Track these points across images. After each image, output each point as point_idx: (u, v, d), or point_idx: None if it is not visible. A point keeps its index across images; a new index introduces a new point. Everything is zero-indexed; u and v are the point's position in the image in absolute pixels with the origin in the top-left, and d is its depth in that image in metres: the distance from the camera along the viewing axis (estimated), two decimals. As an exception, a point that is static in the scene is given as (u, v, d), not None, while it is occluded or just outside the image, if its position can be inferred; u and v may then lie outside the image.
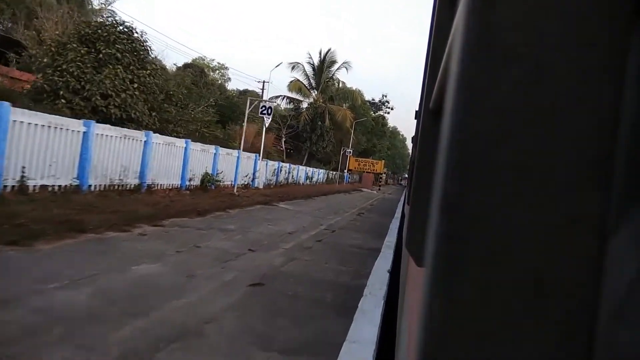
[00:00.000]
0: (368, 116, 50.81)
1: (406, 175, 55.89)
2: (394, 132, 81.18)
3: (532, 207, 0.21)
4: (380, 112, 62.23)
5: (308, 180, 28.38)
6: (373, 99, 59.01)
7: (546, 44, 0.20)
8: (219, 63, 60.39)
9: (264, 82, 40.82)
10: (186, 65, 44.98)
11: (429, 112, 0.68)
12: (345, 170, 40.84)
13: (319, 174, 31.31)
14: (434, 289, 0.22)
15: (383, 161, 45.86)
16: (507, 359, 0.21)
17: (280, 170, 22.30)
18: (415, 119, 2.36)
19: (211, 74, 53.86)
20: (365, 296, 3.69)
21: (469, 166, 0.21)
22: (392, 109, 59.70)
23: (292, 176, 24.66)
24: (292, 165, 25.26)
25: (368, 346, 2.57)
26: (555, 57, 0.20)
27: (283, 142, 37.58)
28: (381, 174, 46.32)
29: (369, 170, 45.13)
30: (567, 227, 0.20)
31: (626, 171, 0.21)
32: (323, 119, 38.32)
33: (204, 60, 58.89)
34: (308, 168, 29.06)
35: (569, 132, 0.20)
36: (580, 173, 0.20)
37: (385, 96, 68.84)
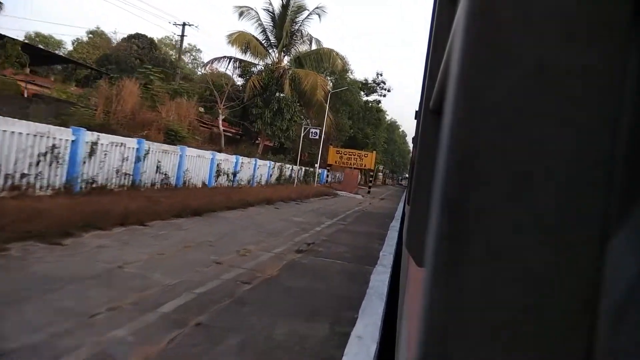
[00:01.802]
0: (356, 92, 37.45)
1: (407, 175, 45.34)
2: (393, 125, 68.14)
3: (532, 207, 0.20)
4: (376, 96, 49.13)
5: (226, 180, 15.12)
6: (366, 80, 45.80)
7: (546, 44, 0.20)
8: (190, 44, 46.40)
9: (183, 25, 27.59)
10: (132, 36, 31.95)
11: (429, 112, 0.67)
12: (316, 164, 27.46)
13: (255, 167, 17.86)
14: (434, 289, 0.21)
15: (374, 152, 32.41)
16: (507, 359, 0.20)
17: (91, 155, 8.79)
18: (415, 119, 2.22)
19: (171, 52, 40.21)
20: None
21: (469, 166, 0.21)
22: (389, 90, 46.40)
23: (160, 171, 11.27)
24: (165, 147, 11.79)
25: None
26: (555, 57, 0.20)
27: (220, 122, 24.35)
28: (372, 170, 32.80)
29: (356, 166, 31.81)
30: (567, 227, 0.20)
31: (626, 171, 0.20)
32: (281, 88, 25.06)
33: (171, 40, 46.07)
34: (228, 157, 15.63)
35: (569, 132, 0.20)
36: (581, 173, 0.20)
37: (381, 75, 55.65)
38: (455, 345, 0.21)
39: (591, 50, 0.20)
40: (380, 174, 68.02)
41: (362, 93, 46.29)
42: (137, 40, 30.24)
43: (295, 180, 21.15)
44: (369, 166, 31.64)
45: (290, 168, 23.14)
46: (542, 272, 0.20)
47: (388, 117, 65.36)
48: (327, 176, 31.48)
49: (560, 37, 0.20)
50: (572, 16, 0.20)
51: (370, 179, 33.30)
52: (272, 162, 20.24)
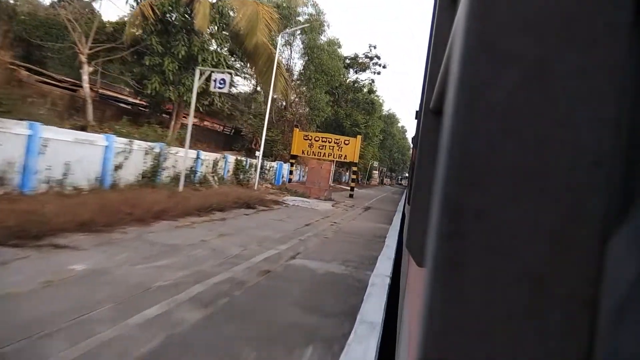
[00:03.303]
0: (336, 58, 26.78)
1: (407, 174, 39.31)
2: (392, 117, 57.60)
3: (532, 207, 0.20)
4: (368, 74, 38.65)
5: None
6: (356, 55, 35.20)
7: (546, 44, 0.20)
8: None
9: None
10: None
11: (429, 112, 0.66)
12: (259, 152, 16.66)
13: (29, 148, 7.13)
14: (434, 289, 0.21)
15: (359, 138, 21.69)
16: (507, 359, 0.20)
17: None
18: (415, 119, 2.18)
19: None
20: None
21: (469, 166, 0.20)
22: (384, 67, 35.80)
23: None
24: None
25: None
26: (555, 57, 0.20)
27: (86, 78, 13.79)
28: (356, 164, 22.10)
29: (333, 157, 21.28)
30: (567, 227, 0.20)
31: (626, 171, 0.20)
32: (193, 21, 14.41)
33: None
34: None
35: (569, 132, 0.20)
36: (580, 173, 0.20)
37: (374, 47, 44.98)
38: (455, 345, 0.20)
39: (591, 51, 0.19)
40: (376, 172, 57.38)
41: (351, 71, 35.79)
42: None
43: (182, 180, 10.38)
44: (351, 158, 20.99)
45: (194, 157, 12.41)
46: (542, 272, 0.20)
47: (385, 108, 54.79)
48: (291, 172, 20.84)
49: (560, 38, 0.20)
50: (572, 16, 0.19)
51: (354, 177, 22.57)
52: (123, 140, 9.42)
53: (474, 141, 0.20)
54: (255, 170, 16.16)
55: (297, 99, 25.34)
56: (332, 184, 32.38)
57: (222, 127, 25.83)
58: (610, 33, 0.19)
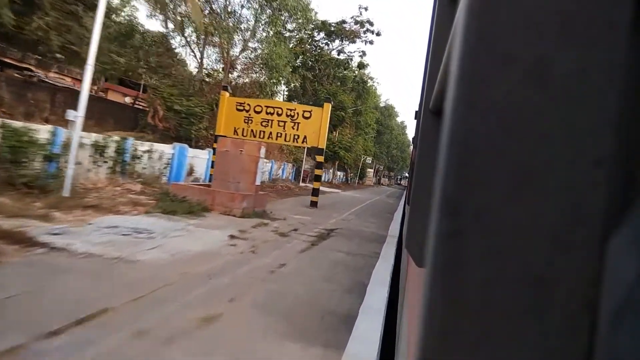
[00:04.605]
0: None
1: (407, 174, 34.62)
2: (390, 109, 48.96)
3: (532, 207, 0.20)
4: (359, 45, 29.83)
5: None
6: (342, 20, 26.48)
7: (546, 43, 0.20)
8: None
9: None
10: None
11: (429, 112, 0.66)
12: (69, 115, 7.86)
13: None
14: (434, 289, 0.21)
15: (328, 106, 12.75)
16: (507, 359, 0.20)
17: None
18: (415, 119, 2.16)
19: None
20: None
21: (469, 166, 0.20)
22: (378, 34, 27.09)
23: None
24: None
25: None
26: (555, 56, 0.20)
27: None
28: (322, 150, 13.03)
29: (282, 139, 12.50)
30: (567, 227, 0.19)
31: (626, 171, 0.20)
32: None
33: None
34: None
35: (569, 132, 0.19)
36: (580, 173, 0.19)
37: (365, 9, 36.10)
38: (455, 345, 0.20)
39: (591, 50, 0.19)
40: (370, 170, 48.61)
41: (337, 42, 27.10)
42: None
43: None
44: (313, 142, 12.16)
45: None
46: (542, 272, 0.19)
47: (383, 99, 46.20)
48: (214, 165, 12.03)
49: (560, 37, 0.19)
50: (572, 15, 0.19)
51: (318, 172, 13.60)
52: None
53: (474, 140, 0.20)
54: (104, 156, 7.35)
55: (242, 57, 16.53)
56: (305, 183, 23.17)
57: (132, 101, 17.08)
58: (610, 33, 0.19)
